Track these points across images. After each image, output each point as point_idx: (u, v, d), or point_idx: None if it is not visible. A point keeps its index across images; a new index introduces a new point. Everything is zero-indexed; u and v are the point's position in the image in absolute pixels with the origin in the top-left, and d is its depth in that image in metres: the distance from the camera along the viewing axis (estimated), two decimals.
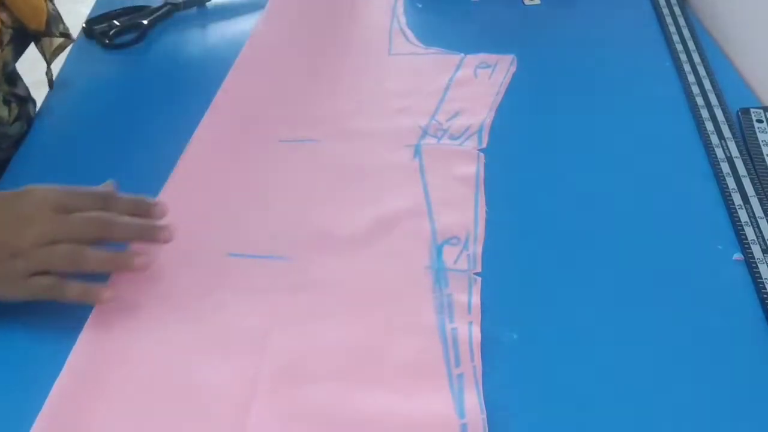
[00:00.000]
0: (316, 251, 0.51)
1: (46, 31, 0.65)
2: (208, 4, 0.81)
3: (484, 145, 0.60)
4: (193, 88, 0.69)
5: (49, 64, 0.68)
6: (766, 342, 0.45)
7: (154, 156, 0.60)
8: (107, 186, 0.50)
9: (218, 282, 0.49)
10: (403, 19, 0.79)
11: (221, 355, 0.45)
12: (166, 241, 0.48)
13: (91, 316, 0.46)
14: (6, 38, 0.62)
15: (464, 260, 0.50)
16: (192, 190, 0.57)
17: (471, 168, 0.58)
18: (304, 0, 0.83)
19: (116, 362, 0.44)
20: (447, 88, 0.67)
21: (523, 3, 0.81)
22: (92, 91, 0.69)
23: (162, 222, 0.49)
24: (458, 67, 0.70)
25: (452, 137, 0.61)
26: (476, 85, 0.68)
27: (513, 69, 0.70)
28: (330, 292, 0.49)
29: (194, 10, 0.80)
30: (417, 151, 0.60)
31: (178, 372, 0.44)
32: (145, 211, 0.48)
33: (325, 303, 0.48)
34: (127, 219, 0.47)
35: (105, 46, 0.75)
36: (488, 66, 0.70)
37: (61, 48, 0.69)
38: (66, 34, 0.69)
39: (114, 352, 0.45)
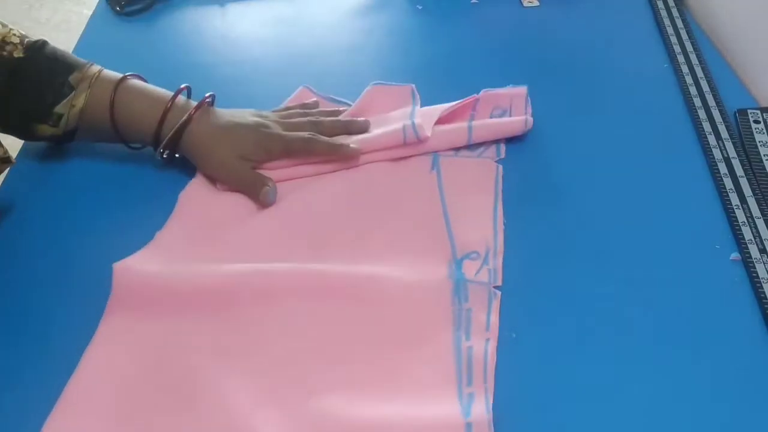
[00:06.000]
0: (329, 260, 0.50)
1: None
2: None
3: (502, 156, 0.60)
4: (199, 59, 0.70)
5: None
6: (763, 341, 0.46)
7: None
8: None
9: (220, 286, 0.49)
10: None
11: (226, 362, 0.44)
12: (364, 131, 0.59)
13: (101, 324, 0.46)
14: None
15: (485, 274, 0.50)
16: (194, 190, 0.57)
17: (489, 180, 0.57)
18: None
19: (118, 370, 0.44)
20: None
21: (522, 4, 0.81)
22: (108, 57, 0.64)
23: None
24: (472, 117, 0.62)
25: (470, 149, 0.60)
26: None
27: (529, 109, 0.62)
28: (343, 304, 0.48)
29: None
30: (435, 163, 0.59)
31: (183, 379, 0.44)
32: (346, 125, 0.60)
33: (336, 312, 0.47)
34: (331, 119, 0.60)
35: (117, 13, 0.79)
36: (504, 111, 0.63)
37: None
38: None
39: (116, 361, 0.45)
